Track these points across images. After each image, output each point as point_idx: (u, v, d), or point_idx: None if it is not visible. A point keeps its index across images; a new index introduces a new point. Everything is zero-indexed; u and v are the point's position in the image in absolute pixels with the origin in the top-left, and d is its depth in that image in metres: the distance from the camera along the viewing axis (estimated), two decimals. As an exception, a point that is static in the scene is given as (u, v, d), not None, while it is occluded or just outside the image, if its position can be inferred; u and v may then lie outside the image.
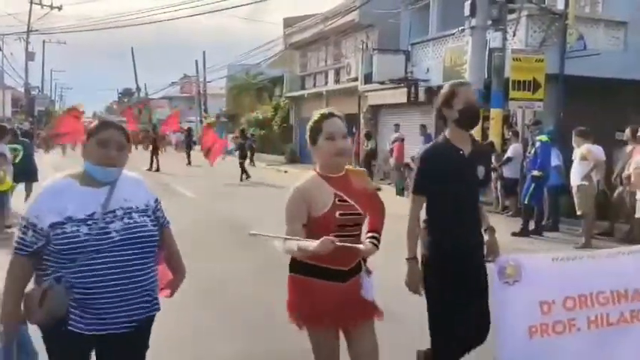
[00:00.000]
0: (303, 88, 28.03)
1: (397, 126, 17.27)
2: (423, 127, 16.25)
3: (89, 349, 2.39)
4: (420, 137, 16.28)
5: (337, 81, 24.43)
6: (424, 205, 3.27)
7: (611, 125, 11.82)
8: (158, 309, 2.53)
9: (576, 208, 8.60)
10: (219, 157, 19.74)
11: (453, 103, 3.16)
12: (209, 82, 46.57)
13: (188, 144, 27.62)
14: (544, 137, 9.42)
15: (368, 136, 18.64)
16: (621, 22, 14.05)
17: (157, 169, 21.47)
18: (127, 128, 2.52)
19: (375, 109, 20.74)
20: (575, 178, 8.51)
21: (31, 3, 36.30)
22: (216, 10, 37.29)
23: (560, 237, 9.46)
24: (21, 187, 9.85)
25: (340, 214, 2.62)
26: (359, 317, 2.73)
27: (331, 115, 2.69)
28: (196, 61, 47.05)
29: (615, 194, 9.15)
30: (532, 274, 3.03)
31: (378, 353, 2.80)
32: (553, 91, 12.58)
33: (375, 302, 2.81)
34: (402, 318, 4.59)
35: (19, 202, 9.67)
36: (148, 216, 2.45)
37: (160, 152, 22.97)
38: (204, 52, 45.88)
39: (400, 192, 15.06)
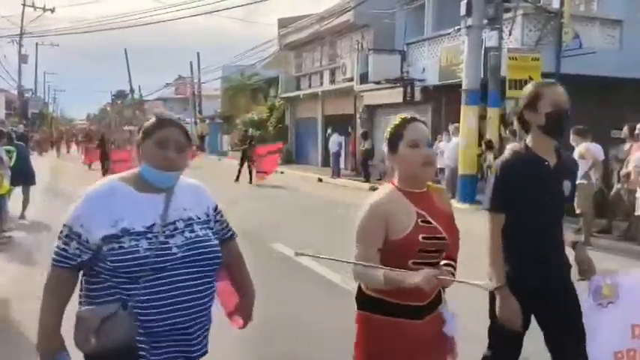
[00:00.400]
0: (298, 88, 28.01)
1: (393, 126, 17.26)
2: (420, 126, 16.26)
3: None
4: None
5: (332, 81, 24.42)
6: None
7: (607, 123, 11.84)
8: (206, 351, 2.14)
9: (575, 207, 8.60)
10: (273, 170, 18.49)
11: (538, 106, 2.76)
12: (204, 83, 46.51)
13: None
14: (542, 136, 9.41)
15: (364, 136, 18.63)
16: (616, 21, 14.10)
17: None
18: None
19: (371, 109, 20.74)
20: (574, 177, 8.51)
21: (24, 5, 36.13)
22: (212, 12, 37.13)
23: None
24: (17, 190, 9.80)
25: (424, 238, 2.21)
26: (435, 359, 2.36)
27: (414, 119, 2.31)
28: (191, 63, 46.99)
29: (613, 192, 9.16)
30: (629, 293, 2.71)
31: None
32: (549, 89, 12.58)
33: (454, 340, 2.42)
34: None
35: (16, 205, 9.63)
36: (210, 228, 2.11)
37: None
38: (198, 54, 45.86)
39: (398, 192, 15.07)
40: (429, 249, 2.24)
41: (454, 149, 13.35)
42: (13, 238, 8.35)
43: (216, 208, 2.20)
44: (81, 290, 2.03)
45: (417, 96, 17.19)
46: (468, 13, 12.44)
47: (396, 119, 2.37)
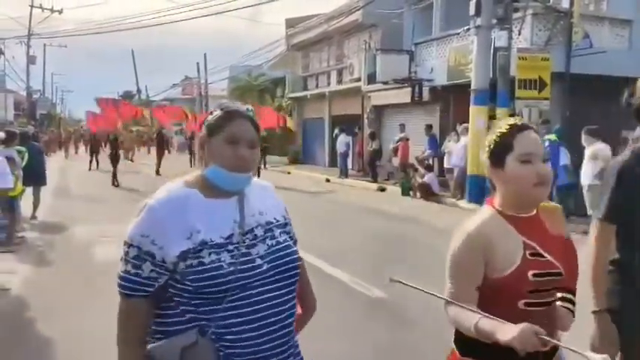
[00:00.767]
0: (305, 89, 28.01)
1: (402, 126, 17.24)
2: (429, 127, 16.22)
3: None
4: (425, 137, 16.26)
5: (340, 81, 24.41)
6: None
7: (617, 124, 11.76)
8: None
9: (587, 208, 8.57)
10: None
11: None
12: (211, 83, 46.62)
13: (191, 146, 27.26)
14: (553, 136, 9.39)
15: (372, 137, 18.61)
16: (626, 21, 14.03)
17: (157, 173, 20.97)
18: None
19: (379, 110, 20.71)
20: (587, 178, 8.48)
21: (32, 7, 36.31)
22: (219, 13, 37.28)
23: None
24: (27, 190, 9.85)
25: (534, 275, 1.78)
26: None
27: (526, 127, 1.86)
28: (197, 63, 47.12)
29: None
30: None
31: None
32: (559, 89, 12.56)
33: None
34: None
35: (26, 206, 9.68)
36: (288, 232, 1.83)
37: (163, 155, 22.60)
38: (205, 54, 45.93)
39: (406, 192, 15.05)
40: (541, 288, 1.79)
41: (463, 149, 13.32)
42: (25, 239, 8.39)
43: (286, 210, 1.91)
44: None
45: (425, 96, 17.15)
46: (477, 13, 12.40)
47: (501, 125, 1.92)
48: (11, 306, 5.38)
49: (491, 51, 12.74)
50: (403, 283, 1.91)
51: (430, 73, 17.01)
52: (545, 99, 12.07)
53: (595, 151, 8.44)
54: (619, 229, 2.35)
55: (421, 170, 14.92)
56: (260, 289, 1.63)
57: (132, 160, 29.29)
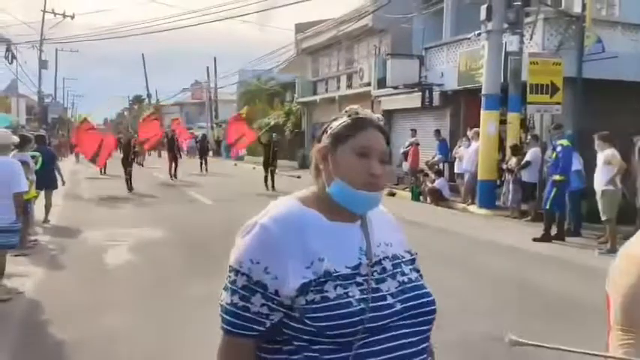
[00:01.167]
0: (315, 93, 28.05)
1: (414, 131, 17.20)
2: (438, 132, 16.18)
3: None
4: (435, 142, 16.22)
5: (349, 86, 24.42)
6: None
7: (629, 128, 11.68)
8: None
9: (600, 213, 8.50)
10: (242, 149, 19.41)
11: None
12: (220, 88, 46.82)
13: (203, 150, 27.12)
14: (565, 141, 9.33)
15: (382, 141, 18.56)
16: (638, 25, 13.92)
17: (175, 176, 20.84)
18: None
19: (389, 114, 20.65)
20: (600, 183, 8.41)
21: (44, 12, 36.64)
22: (228, 18, 37.59)
23: (583, 242, 9.35)
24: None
25: None
26: None
27: None
28: (207, 68, 47.39)
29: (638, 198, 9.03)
30: None
31: None
32: (571, 94, 12.49)
33: None
34: None
35: (37, 209, 9.74)
36: (417, 270, 1.56)
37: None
38: (214, 59, 46.21)
39: (416, 197, 15.01)
40: None
41: (474, 154, 13.27)
42: (39, 242, 8.45)
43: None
44: None
45: (436, 101, 17.11)
46: (488, 17, 12.38)
47: None
48: (24, 309, 5.41)
49: (502, 56, 12.71)
50: (528, 344, 1.36)
51: (440, 78, 16.98)
52: (557, 104, 12.01)
53: (608, 157, 8.37)
54: None
55: (431, 175, 14.88)
56: (394, 333, 1.35)
57: (142, 165, 29.41)
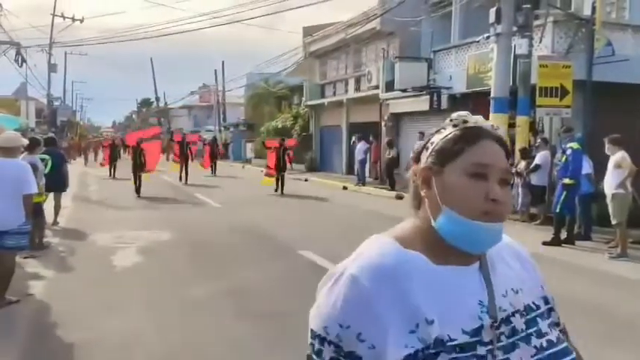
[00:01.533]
0: (322, 96, 28.06)
1: (422, 134, 17.14)
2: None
3: None
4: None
5: (357, 89, 24.41)
6: None
7: (639, 131, 11.62)
8: None
9: (611, 217, 8.43)
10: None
11: None
12: (228, 91, 46.97)
13: (212, 153, 27.08)
14: (575, 144, 9.26)
15: (390, 144, 18.55)
16: (649, 28, 13.83)
17: (186, 181, 20.54)
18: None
19: (397, 117, 20.67)
20: (610, 186, 8.34)
21: (54, 15, 36.89)
22: (236, 22, 37.70)
23: (593, 246, 9.28)
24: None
25: None
26: None
27: None
28: (215, 71, 47.56)
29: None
30: None
31: None
32: (580, 97, 12.42)
33: None
34: None
35: (46, 211, 9.77)
36: (557, 324, 1.17)
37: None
38: (223, 62, 46.38)
39: (424, 200, 14.94)
40: None
41: (482, 158, 13.20)
42: (49, 244, 8.48)
43: (544, 283, 1.22)
44: None
45: (444, 104, 17.06)
46: (498, 20, 12.33)
47: None
48: (34, 311, 5.43)
49: (512, 58, 12.65)
50: None
51: (449, 81, 16.94)
52: (567, 107, 11.94)
53: (618, 160, 8.30)
54: None
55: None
56: None
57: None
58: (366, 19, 21.49)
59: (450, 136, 1.12)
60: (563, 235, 9.28)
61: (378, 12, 20.56)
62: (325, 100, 27.22)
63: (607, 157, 8.59)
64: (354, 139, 20.87)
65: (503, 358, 1.02)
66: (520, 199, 11.83)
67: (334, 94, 27.04)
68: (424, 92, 17.54)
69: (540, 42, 13.07)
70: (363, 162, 19.89)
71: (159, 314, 5.37)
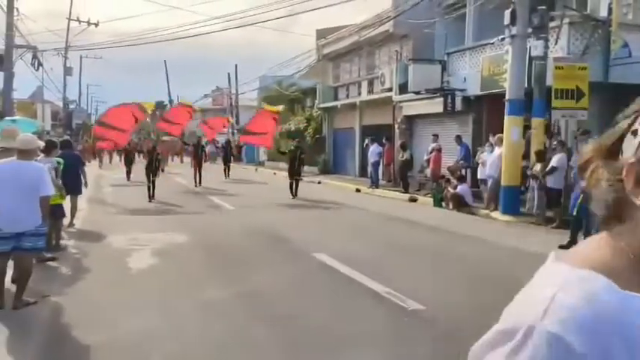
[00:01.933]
0: (336, 99, 28.05)
1: (436, 136, 17.08)
2: (459, 137, 16.04)
3: None
4: (457, 147, 16.09)
5: (371, 91, 24.37)
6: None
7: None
8: None
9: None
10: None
11: None
12: (241, 94, 47.13)
13: (226, 156, 27.04)
14: (592, 147, 9.15)
15: (403, 147, 18.49)
16: (666, 29, 13.66)
17: (200, 183, 20.51)
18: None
19: (410, 120, 20.60)
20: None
21: (69, 19, 37.29)
22: (249, 25, 37.92)
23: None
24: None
25: None
26: None
27: None
28: (228, 74, 47.73)
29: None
30: None
31: None
32: (597, 99, 12.29)
33: None
34: None
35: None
36: None
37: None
38: (236, 65, 46.54)
39: (438, 203, 14.88)
40: None
41: (497, 160, 13.12)
42: (65, 246, 8.54)
43: None
44: None
45: (458, 106, 16.98)
46: (513, 22, 12.25)
47: None
48: (51, 312, 5.46)
49: (527, 60, 12.56)
50: None
51: (463, 83, 16.86)
52: (584, 109, 11.83)
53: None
54: None
55: (453, 181, 14.74)
56: None
57: (163, 170, 29.67)
58: (380, 21, 21.46)
59: None
60: (580, 238, 9.17)
61: (391, 14, 20.52)
62: (338, 103, 27.21)
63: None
64: (367, 141, 20.83)
65: None
66: (536, 202, 11.72)
67: (347, 96, 27.02)
68: (438, 94, 17.47)
69: (556, 44, 12.97)
70: (376, 164, 19.84)
71: (174, 316, 5.38)
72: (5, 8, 19.36)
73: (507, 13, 12.34)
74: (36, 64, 24.82)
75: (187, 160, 34.41)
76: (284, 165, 30.74)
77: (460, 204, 13.92)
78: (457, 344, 4.71)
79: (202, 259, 8.16)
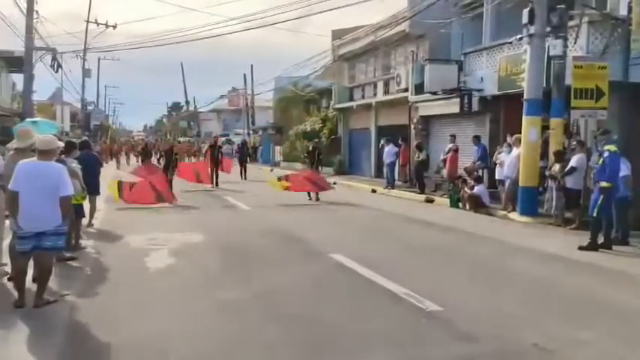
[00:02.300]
0: (351, 99, 28.03)
1: (453, 137, 16.97)
2: (477, 137, 15.91)
3: None
4: (474, 148, 15.96)
5: (386, 92, 24.31)
6: None
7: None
8: None
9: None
10: None
11: None
12: (257, 94, 47.29)
13: (242, 157, 27.09)
14: (613, 147, 9.03)
15: (419, 148, 18.40)
16: (688, 27, 13.42)
17: (216, 184, 20.35)
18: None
19: (427, 120, 20.50)
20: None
21: (88, 22, 37.73)
22: (264, 26, 38.01)
23: (631, 251, 9.03)
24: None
25: None
26: None
27: None
28: (244, 75, 47.94)
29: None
30: None
31: None
32: (617, 99, 12.13)
33: None
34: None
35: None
36: None
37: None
38: (252, 66, 46.72)
39: (455, 204, 14.78)
40: None
41: (515, 160, 12.99)
42: (85, 246, 8.63)
43: None
44: None
45: (475, 106, 16.86)
46: (531, 21, 12.12)
47: None
48: (70, 311, 5.51)
49: (545, 60, 12.42)
50: None
51: (480, 83, 16.73)
52: (603, 109, 11.67)
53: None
54: None
55: (470, 181, 14.64)
56: None
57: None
58: (396, 21, 21.39)
59: None
60: (600, 239, 9.05)
61: (407, 14, 20.44)
62: (354, 103, 27.17)
63: None
64: (382, 142, 20.77)
65: None
66: (554, 203, 11.59)
67: (363, 97, 26.98)
68: (454, 95, 17.36)
69: (575, 43, 12.82)
70: (392, 165, 19.77)
71: (191, 316, 5.41)
72: (25, 11, 19.62)
73: (525, 12, 12.22)
74: (55, 66, 25.15)
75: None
76: (299, 166, 30.84)
77: (477, 205, 13.82)
78: (475, 345, 4.68)
79: (219, 258, 8.19)
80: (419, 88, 19.42)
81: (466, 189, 14.43)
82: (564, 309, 5.77)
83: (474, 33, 18.11)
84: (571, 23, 12.62)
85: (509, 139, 13.86)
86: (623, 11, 12.62)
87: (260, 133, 46.66)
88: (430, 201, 16.32)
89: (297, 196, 16.10)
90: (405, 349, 4.61)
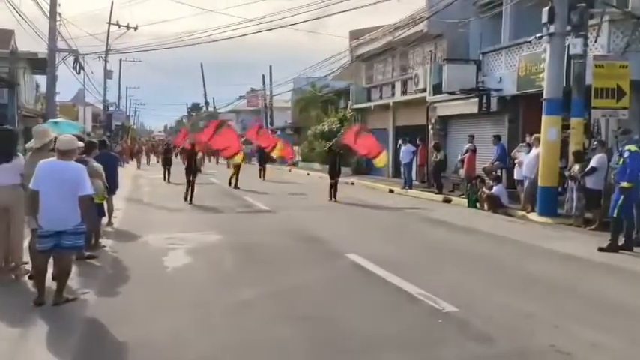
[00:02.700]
0: (369, 99, 27.97)
1: (471, 137, 16.84)
2: (497, 137, 15.78)
3: None
4: (493, 148, 15.84)
5: (404, 92, 24.22)
6: None
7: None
8: None
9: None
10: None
11: None
12: (275, 95, 47.40)
13: (262, 157, 26.98)
14: (633, 147, 8.88)
15: (437, 148, 18.30)
16: None
17: (236, 186, 20.10)
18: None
19: (445, 120, 20.38)
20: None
21: (109, 24, 38.17)
22: (283, 26, 38.12)
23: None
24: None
25: None
26: None
27: None
28: (263, 76, 48.08)
29: None
30: None
31: None
32: (638, 98, 11.94)
33: None
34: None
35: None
36: None
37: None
38: (270, 67, 46.83)
39: (473, 204, 14.67)
40: None
41: (534, 160, 12.86)
42: (104, 245, 8.74)
43: None
44: None
45: (493, 106, 16.73)
46: (551, 20, 11.99)
47: None
48: (89, 309, 5.59)
49: (565, 59, 12.28)
50: None
51: (498, 83, 16.60)
52: (624, 108, 11.50)
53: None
54: None
55: (488, 181, 14.52)
56: None
57: (200, 171, 30.04)
58: (413, 21, 21.31)
59: None
60: (621, 240, 8.92)
61: (425, 14, 20.34)
62: (372, 104, 27.12)
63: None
64: (400, 142, 20.70)
65: None
66: (574, 204, 11.45)
67: (381, 97, 26.91)
68: (473, 95, 17.24)
69: (595, 42, 12.66)
70: (409, 165, 19.69)
71: (208, 315, 5.45)
72: (49, 14, 19.93)
73: (545, 11, 12.10)
74: (78, 67, 25.50)
75: (223, 162, 34.78)
76: (317, 166, 30.86)
77: (495, 205, 13.70)
78: (491, 346, 4.65)
79: (236, 258, 8.24)
80: (437, 88, 19.32)
81: (484, 189, 14.33)
82: (582, 311, 5.71)
83: (492, 32, 17.98)
84: (591, 22, 12.45)
85: (528, 139, 13.72)
86: (645, 9, 12.43)
87: (278, 133, 46.80)
88: (448, 201, 16.23)
89: (314, 195, 16.11)
90: (420, 349, 4.60)
